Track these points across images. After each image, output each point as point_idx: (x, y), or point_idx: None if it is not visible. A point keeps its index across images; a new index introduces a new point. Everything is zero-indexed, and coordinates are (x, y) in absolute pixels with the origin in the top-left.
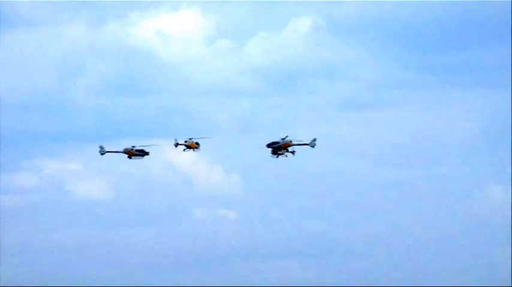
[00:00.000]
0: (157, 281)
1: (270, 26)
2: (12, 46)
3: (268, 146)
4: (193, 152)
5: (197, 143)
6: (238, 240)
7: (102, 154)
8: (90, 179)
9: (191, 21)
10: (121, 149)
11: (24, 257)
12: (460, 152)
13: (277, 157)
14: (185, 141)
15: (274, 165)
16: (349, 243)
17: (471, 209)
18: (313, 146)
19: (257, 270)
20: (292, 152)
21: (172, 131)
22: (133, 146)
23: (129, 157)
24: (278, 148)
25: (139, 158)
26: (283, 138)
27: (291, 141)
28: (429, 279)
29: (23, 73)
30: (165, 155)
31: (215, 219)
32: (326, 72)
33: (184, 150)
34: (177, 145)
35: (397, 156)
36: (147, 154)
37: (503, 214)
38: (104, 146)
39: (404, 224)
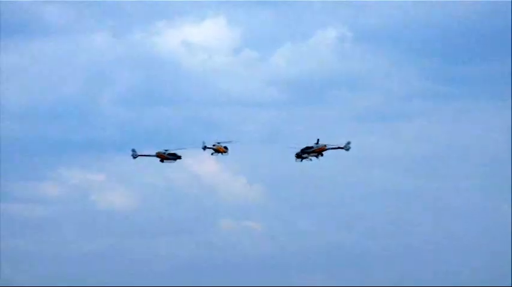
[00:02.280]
0: None
1: (295, 36)
2: (37, 55)
3: (303, 151)
4: (222, 156)
5: (225, 147)
6: (263, 251)
7: (135, 157)
8: (115, 189)
9: (217, 31)
10: (153, 153)
11: (47, 268)
12: (486, 164)
13: (302, 160)
14: (213, 145)
15: (299, 176)
16: (375, 254)
17: (499, 222)
18: (347, 149)
19: (281, 282)
20: (316, 156)
21: (197, 142)
22: (166, 150)
23: (161, 161)
24: (310, 153)
25: (171, 162)
26: (316, 143)
27: (325, 146)
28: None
29: (48, 82)
30: (190, 165)
31: (240, 230)
32: (352, 83)
33: (212, 154)
34: (205, 148)
35: (424, 167)
36: (179, 157)
37: None
38: (135, 149)
39: (433, 236)
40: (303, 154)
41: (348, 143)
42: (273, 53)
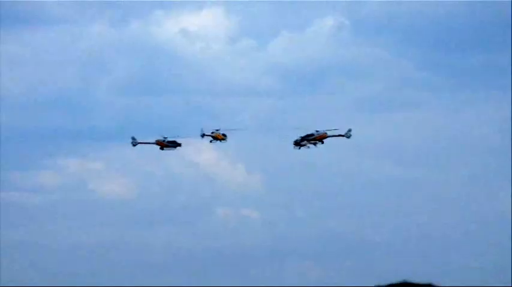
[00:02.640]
0: (179, 280)
1: (293, 25)
2: (36, 44)
3: (303, 138)
4: (220, 144)
5: (224, 135)
6: (261, 239)
7: (134, 145)
8: (113, 178)
9: (215, 20)
10: (152, 141)
11: (45, 256)
12: (480, 154)
13: (300, 148)
14: (212, 133)
15: (297, 165)
16: (373, 244)
17: (491, 210)
18: (348, 137)
19: (279, 270)
20: (315, 144)
21: (195, 130)
22: (165, 137)
23: (161, 148)
24: (310, 140)
25: (171, 149)
26: (317, 131)
27: (325, 133)
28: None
29: (47, 71)
30: (188, 153)
31: (238, 218)
32: (349, 72)
33: (211, 141)
34: (203, 135)
35: (420, 157)
36: (179, 145)
37: None
38: (135, 137)
39: (426, 225)
40: (302, 141)
41: (349, 130)
42: (270, 42)
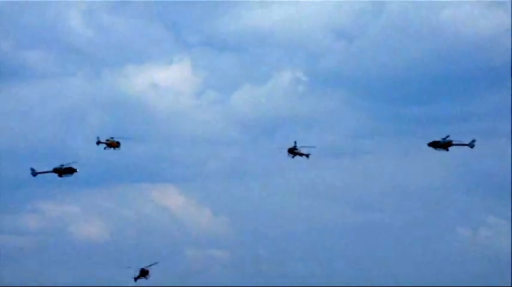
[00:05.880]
0: None
1: (255, 79)
2: (18, 97)
3: (430, 145)
4: (114, 150)
5: (118, 143)
6: (228, 280)
7: (34, 175)
8: (89, 222)
9: (182, 74)
10: (51, 169)
11: None
12: (433, 198)
13: (293, 157)
14: (106, 140)
15: (262, 209)
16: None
17: (445, 252)
18: (472, 147)
19: None
20: (307, 155)
21: (163, 176)
22: (62, 165)
23: (60, 176)
24: (437, 147)
25: (68, 176)
26: (443, 138)
27: (451, 141)
28: None
29: (25, 123)
30: (159, 199)
31: (205, 259)
32: (305, 122)
33: (105, 148)
34: (98, 142)
35: (374, 201)
36: (75, 170)
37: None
38: (34, 168)
39: (391, 269)
40: (295, 150)
41: (473, 140)
42: (233, 94)
